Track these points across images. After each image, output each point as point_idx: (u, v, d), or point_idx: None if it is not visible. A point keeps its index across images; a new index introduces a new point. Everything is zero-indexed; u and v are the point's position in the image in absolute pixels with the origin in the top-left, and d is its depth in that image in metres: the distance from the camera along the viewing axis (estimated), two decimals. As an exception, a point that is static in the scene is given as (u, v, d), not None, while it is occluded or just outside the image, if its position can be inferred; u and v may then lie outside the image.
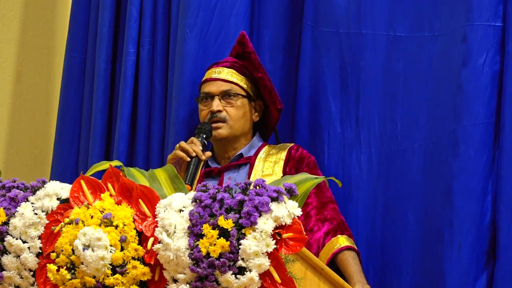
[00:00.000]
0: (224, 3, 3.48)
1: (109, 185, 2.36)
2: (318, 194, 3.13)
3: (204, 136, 3.13)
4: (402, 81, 3.22)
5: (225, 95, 3.22)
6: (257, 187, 2.22)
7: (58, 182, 2.44)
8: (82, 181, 2.38)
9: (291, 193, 2.23)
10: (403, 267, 3.14)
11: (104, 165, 2.52)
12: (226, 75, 3.24)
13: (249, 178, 3.14)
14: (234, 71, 3.26)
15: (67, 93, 3.83)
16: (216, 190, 2.24)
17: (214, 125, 3.19)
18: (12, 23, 3.96)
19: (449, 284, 2.98)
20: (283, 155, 3.20)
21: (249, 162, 3.21)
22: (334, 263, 3.02)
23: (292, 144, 3.25)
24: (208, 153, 3.08)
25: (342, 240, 3.03)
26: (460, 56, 3.04)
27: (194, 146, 3.05)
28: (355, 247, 3.04)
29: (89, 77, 3.77)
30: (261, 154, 3.23)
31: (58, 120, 3.85)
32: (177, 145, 3.08)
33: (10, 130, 3.97)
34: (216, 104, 3.20)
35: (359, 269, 2.98)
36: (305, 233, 3.02)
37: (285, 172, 3.15)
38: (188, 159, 3.03)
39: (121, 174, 2.38)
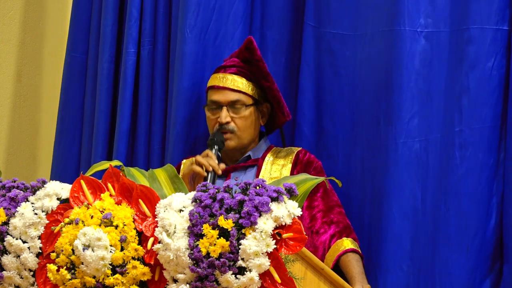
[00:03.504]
0: (222, 3, 3.47)
1: (109, 185, 2.36)
2: (324, 197, 3.14)
3: (217, 147, 3.11)
4: (399, 80, 3.22)
5: (233, 106, 3.20)
6: (257, 187, 2.22)
7: (58, 182, 2.44)
8: (82, 181, 2.38)
9: (291, 193, 2.23)
10: (388, 267, 3.13)
11: (104, 165, 2.52)
12: (233, 84, 3.20)
13: None
14: (242, 78, 3.22)
15: (67, 93, 3.82)
16: (216, 190, 2.24)
17: (224, 136, 3.17)
18: (12, 23, 3.96)
19: (456, 286, 2.98)
20: (290, 158, 3.20)
21: (257, 164, 3.20)
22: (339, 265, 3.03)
23: (299, 148, 3.25)
24: (223, 165, 3.06)
25: (347, 243, 3.03)
26: (467, 58, 3.04)
27: (210, 160, 3.03)
28: (359, 250, 3.04)
29: (91, 77, 3.77)
30: (269, 156, 3.22)
31: (58, 120, 3.84)
32: (193, 158, 3.06)
33: (10, 130, 3.97)
34: (225, 116, 3.17)
35: (361, 271, 2.98)
36: (311, 235, 3.05)
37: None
38: (205, 174, 3.02)
39: (121, 174, 2.38)
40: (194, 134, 3.44)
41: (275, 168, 3.18)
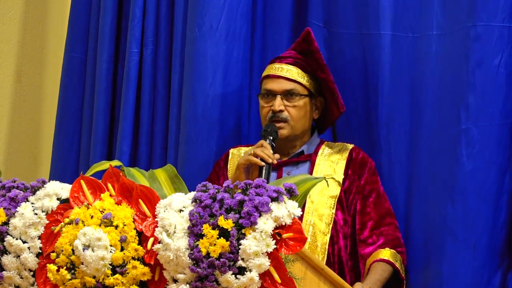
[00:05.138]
0: (231, 2, 3.47)
1: (109, 185, 2.36)
2: (376, 204, 3.13)
3: (271, 138, 3.11)
4: (410, 81, 3.22)
5: (288, 95, 3.18)
6: (257, 187, 2.22)
7: (58, 182, 2.44)
8: (82, 181, 2.38)
9: (291, 193, 2.23)
10: (408, 266, 3.15)
11: (104, 165, 2.52)
12: (289, 73, 3.19)
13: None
14: (297, 69, 3.21)
15: (66, 93, 3.82)
16: (216, 190, 2.24)
17: (276, 124, 3.16)
18: (12, 23, 3.96)
19: (463, 285, 2.98)
20: (344, 156, 3.18)
21: (309, 160, 3.19)
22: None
23: (352, 146, 3.23)
24: (277, 155, 3.05)
25: (386, 253, 3.03)
26: (473, 56, 3.03)
27: (266, 150, 3.02)
28: (396, 265, 3.02)
29: (90, 77, 3.77)
30: (321, 152, 3.21)
31: (57, 120, 3.85)
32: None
33: (10, 130, 3.97)
34: (278, 104, 3.16)
35: (379, 278, 2.96)
36: (358, 243, 3.04)
37: (346, 174, 3.14)
38: (263, 164, 3.00)
39: (121, 174, 2.38)
40: (205, 134, 3.42)
41: (329, 165, 3.17)
